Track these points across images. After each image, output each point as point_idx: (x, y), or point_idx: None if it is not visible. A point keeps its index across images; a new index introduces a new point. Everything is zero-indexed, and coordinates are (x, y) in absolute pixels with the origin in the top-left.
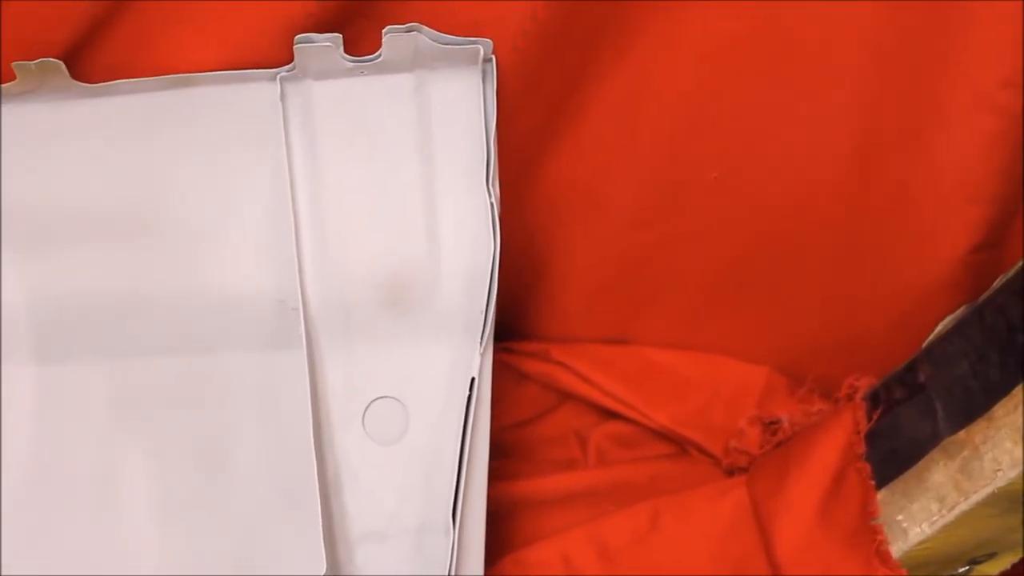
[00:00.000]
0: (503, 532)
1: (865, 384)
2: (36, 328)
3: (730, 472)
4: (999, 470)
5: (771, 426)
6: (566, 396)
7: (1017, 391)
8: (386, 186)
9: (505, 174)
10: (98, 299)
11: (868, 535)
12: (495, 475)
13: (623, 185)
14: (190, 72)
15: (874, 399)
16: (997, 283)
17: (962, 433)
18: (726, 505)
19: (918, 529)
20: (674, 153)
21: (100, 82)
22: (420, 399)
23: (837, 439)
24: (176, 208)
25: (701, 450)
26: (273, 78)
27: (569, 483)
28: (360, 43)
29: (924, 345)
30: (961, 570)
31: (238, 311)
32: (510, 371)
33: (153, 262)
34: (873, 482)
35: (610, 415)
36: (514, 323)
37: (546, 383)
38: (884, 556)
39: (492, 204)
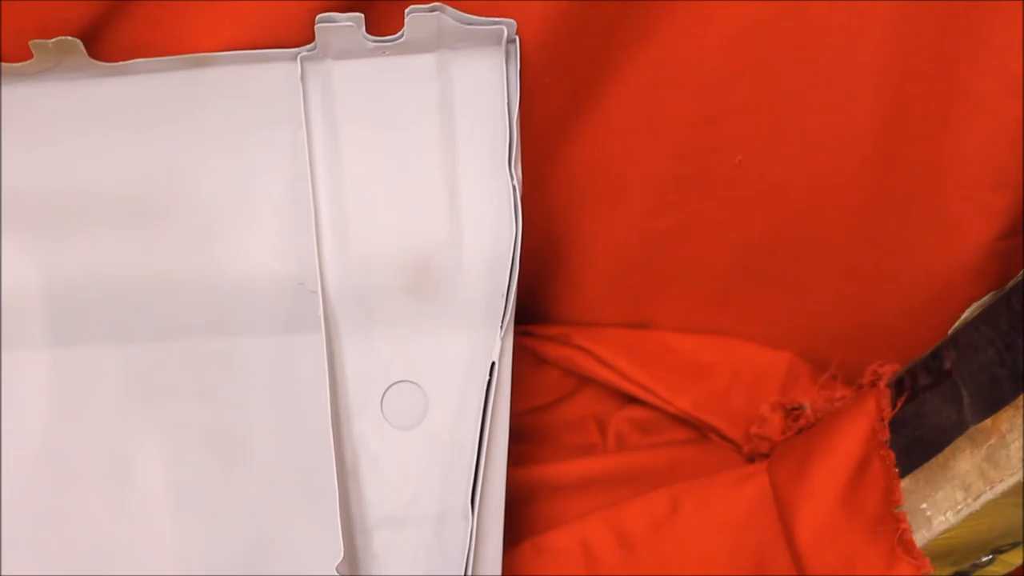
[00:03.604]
0: (521, 517)
1: (889, 371)
2: (50, 311)
3: (751, 458)
4: None
5: (793, 412)
6: (586, 381)
7: None
8: (407, 168)
9: (527, 157)
10: (113, 282)
11: (891, 523)
12: (513, 460)
13: (645, 169)
14: (209, 52)
15: (898, 386)
16: None
17: (988, 421)
18: (747, 492)
19: (942, 518)
20: (697, 138)
21: (118, 61)
22: (439, 384)
23: (861, 426)
24: (193, 189)
25: (721, 436)
26: (293, 58)
27: (588, 468)
28: (382, 23)
29: (950, 332)
30: (984, 559)
31: (255, 294)
32: (529, 355)
33: (169, 244)
34: (897, 470)
35: (630, 400)
36: (534, 306)
37: (566, 367)
38: (908, 545)
39: (514, 187)
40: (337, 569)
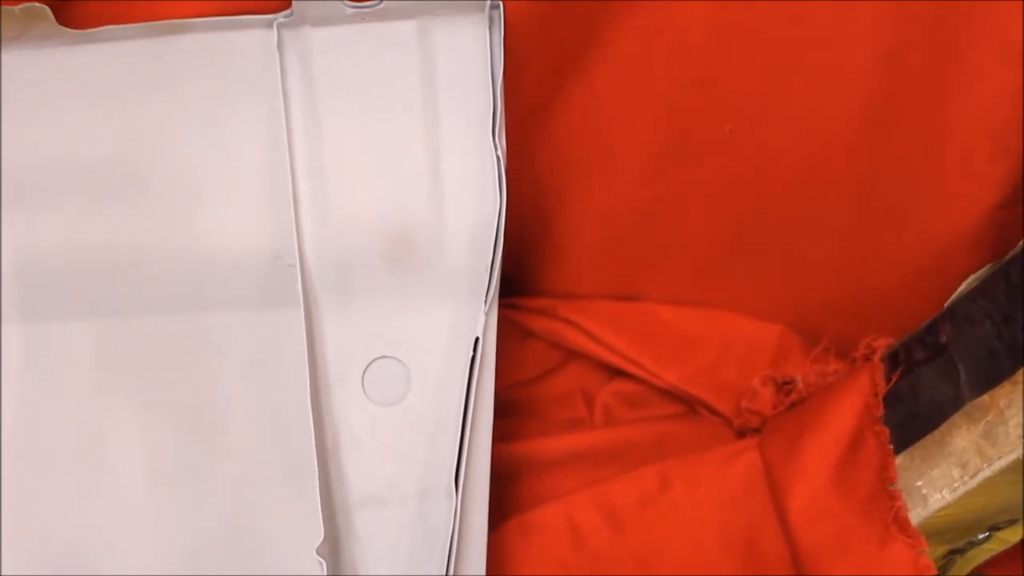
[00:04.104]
0: (507, 494)
1: (883, 344)
2: (21, 286)
3: (741, 433)
4: None
5: (785, 386)
6: (572, 354)
7: None
8: (388, 138)
9: (512, 126)
10: (85, 255)
11: (886, 501)
12: (498, 435)
13: (634, 137)
14: (182, 18)
15: (893, 360)
16: None
17: (986, 397)
18: (737, 468)
19: (938, 496)
20: (687, 105)
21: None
22: (422, 359)
23: (854, 401)
24: (166, 160)
25: (711, 410)
26: (270, 25)
27: (575, 443)
28: None
29: (946, 305)
30: (980, 536)
31: (232, 268)
32: (515, 328)
33: (142, 216)
34: (891, 446)
35: (617, 373)
36: (519, 279)
37: (552, 341)
38: (902, 523)
39: (498, 157)
40: (317, 550)
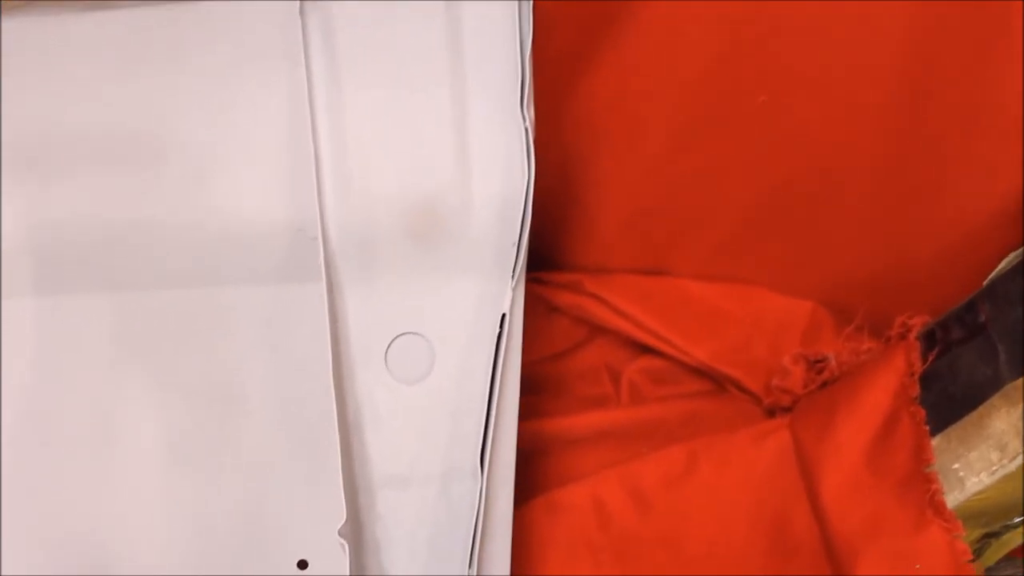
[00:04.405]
0: (531, 472)
1: (919, 322)
2: (34, 258)
3: (771, 412)
4: None
5: (817, 364)
6: (598, 330)
7: None
8: (414, 109)
9: (539, 97)
10: (100, 227)
11: (921, 484)
12: (522, 412)
13: (663, 108)
14: None
15: (929, 339)
16: None
17: None
18: (767, 448)
19: (976, 479)
20: (718, 75)
21: None
22: (446, 335)
23: (889, 381)
24: (183, 131)
25: (740, 387)
26: None
27: (601, 421)
28: None
29: (985, 283)
30: (1017, 519)
31: (252, 241)
32: (540, 303)
33: (160, 187)
34: (927, 427)
35: (644, 350)
36: (544, 252)
37: (577, 316)
38: (938, 506)
39: (526, 129)
40: (340, 532)
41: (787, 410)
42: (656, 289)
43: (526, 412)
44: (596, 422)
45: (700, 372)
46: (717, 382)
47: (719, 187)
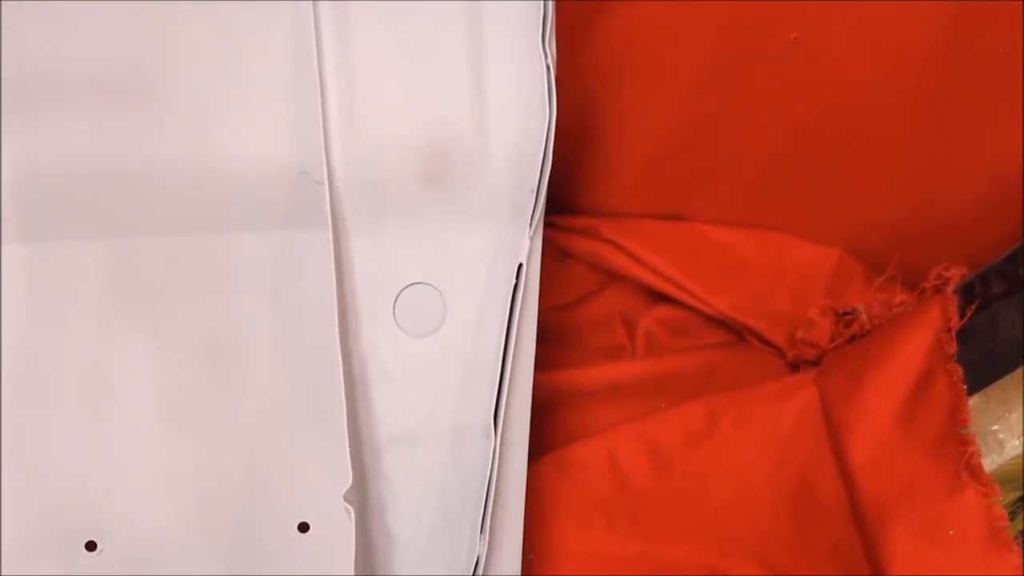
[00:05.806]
0: (543, 427)
1: (957, 275)
2: (25, 201)
3: (795, 366)
4: None
5: (845, 317)
6: (613, 277)
7: None
8: (427, 46)
9: (558, 34)
10: (94, 169)
11: (956, 445)
12: (535, 364)
13: (687, 46)
14: None
15: (967, 293)
16: None
17: None
18: (792, 405)
19: (1016, 441)
20: (746, 10)
21: None
22: (459, 286)
23: (923, 336)
24: (183, 66)
25: (762, 339)
26: None
27: (616, 374)
28: None
29: None
30: None
31: (254, 184)
32: (553, 248)
33: (157, 127)
34: (964, 387)
35: (661, 298)
36: (559, 195)
37: (592, 262)
38: (975, 469)
39: (548, 66)
40: (345, 496)
41: (812, 364)
42: (675, 235)
43: (537, 363)
44: (610, 374)
45: (720, 322)
46: (737, 333)
47: (744, 129)
